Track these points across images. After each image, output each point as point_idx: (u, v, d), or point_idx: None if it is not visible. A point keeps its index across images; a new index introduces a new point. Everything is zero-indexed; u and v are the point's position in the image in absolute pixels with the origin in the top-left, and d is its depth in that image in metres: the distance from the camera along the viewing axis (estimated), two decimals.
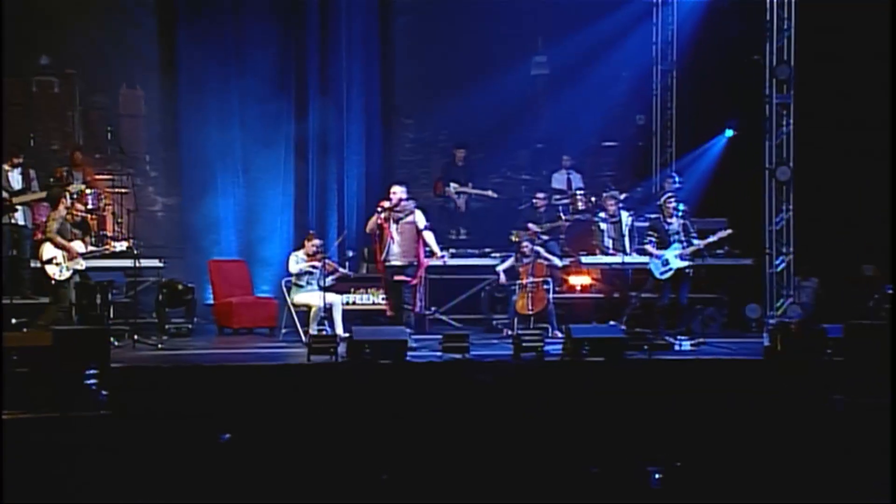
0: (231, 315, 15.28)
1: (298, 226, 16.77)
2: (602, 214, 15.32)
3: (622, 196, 15.68)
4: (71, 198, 15.24)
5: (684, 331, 14.03)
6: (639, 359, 12.39)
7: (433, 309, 13.57)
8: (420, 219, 13.34)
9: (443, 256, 13.52)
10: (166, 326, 14.75)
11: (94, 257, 13.69)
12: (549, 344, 12.91)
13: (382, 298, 13.83)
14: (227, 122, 16.90)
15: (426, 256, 13.38)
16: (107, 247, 13.81)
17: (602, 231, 15.15)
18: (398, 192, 13.27)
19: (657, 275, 14.12)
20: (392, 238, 13.18)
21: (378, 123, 17.64)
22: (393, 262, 13.20)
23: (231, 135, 16.94)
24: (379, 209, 13.35)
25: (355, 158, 17.41)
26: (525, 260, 14.97)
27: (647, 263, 14.51)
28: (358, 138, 17.39)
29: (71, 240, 13.43)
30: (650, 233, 14.23)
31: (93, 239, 15.40)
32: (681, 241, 14.06)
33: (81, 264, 13.40)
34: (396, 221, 13.21)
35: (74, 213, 13.95)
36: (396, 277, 13.22)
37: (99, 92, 17.14)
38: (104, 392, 10.20)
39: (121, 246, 13.74)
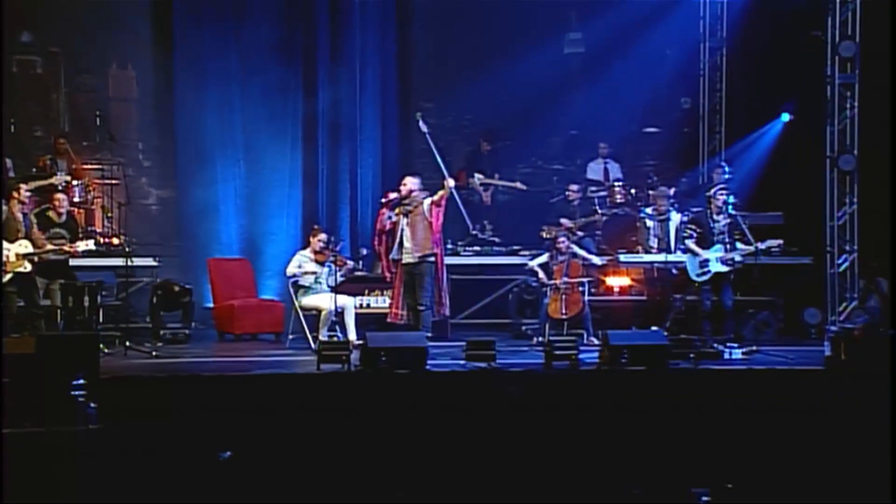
0: (233, 319, 15.32)
1: (307, 220, 16.75)
2: (649, 210, 15.27)
3: (672, 191, 15.62)
4: (58, 190, 15.34)
5: (734, 337, 13.98)
6: (684, 368, 12.35)
7: (444, 313, 13.45)
8: (427, 201, 13.42)
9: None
10: (161, 332, 14.80)
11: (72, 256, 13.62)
12: (584, 352, 12.89)
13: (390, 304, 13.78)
14: (229, 107, 16.91)
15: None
16: (64, 248, 13.49)
17: (648, 229, 15.11)
18: (410, 183, 13.34)
19: (692, 275, 14.08)
20: (404, 234, 13.21)
21: (394, 107, 17.63)
22: (407, 260, 13.23)
23: (232, 120, 16.97)
24: (384, 200, 13.39)
25: (369, 146, 17.40)
26: (560, 258, 14.94)
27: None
28: (372, 124, 17.38)
29: (15, 239, 13.25)
30: (691, 227, 14.19)
31: (81, 235, 15.50)
32: (724, 243, 14.01)
33: (27, 267, 13.24)
34: (406, 215, 13.25)
35: (57, 206, 13.98)
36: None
37: (86, 72, 17.21)
38: (92, 405, 10.23)
39: (85, 246, 13.52)
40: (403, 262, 13.31)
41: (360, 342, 12.69)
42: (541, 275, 14.94)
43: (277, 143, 17.09)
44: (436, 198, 13.60)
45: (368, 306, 15.39)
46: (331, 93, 17.16)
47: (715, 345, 13.49)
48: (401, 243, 13.32)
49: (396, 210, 13.33)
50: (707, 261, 14.00)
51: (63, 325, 13.54)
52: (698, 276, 14.05)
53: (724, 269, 13.96)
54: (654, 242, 15.04)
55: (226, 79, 16.90)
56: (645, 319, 14.85)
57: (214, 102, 16.84)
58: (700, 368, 12.36)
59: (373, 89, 17.40)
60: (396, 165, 17.12)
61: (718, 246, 14.03)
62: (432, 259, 13.29)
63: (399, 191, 13.40)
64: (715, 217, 14.13)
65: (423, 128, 13.75)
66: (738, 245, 14.02)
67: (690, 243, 14.10)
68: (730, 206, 14.14)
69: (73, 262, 14.45)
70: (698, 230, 14.11)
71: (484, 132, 17.85)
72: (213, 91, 16.81)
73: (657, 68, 18.17)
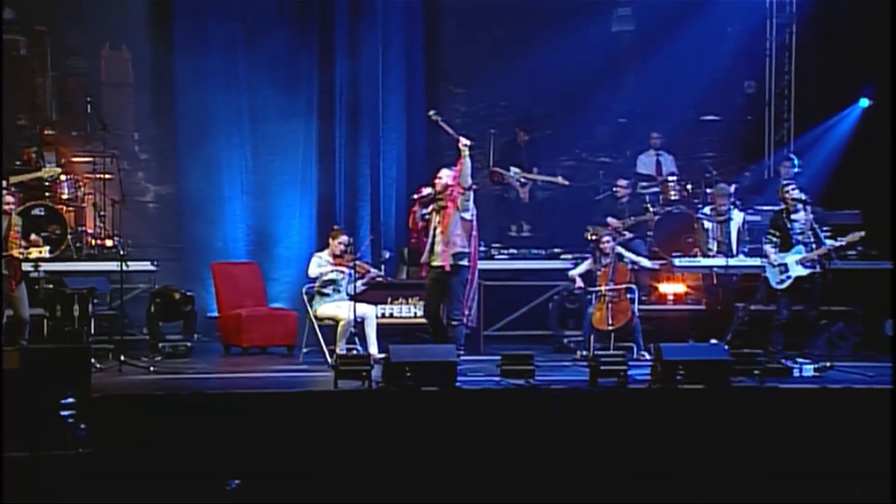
0: (240, 330, 15.35)
1: (322, 220, 16.79)
2: (707, 210, 15.21)
3: (732, 188, 15.56)
4: (45, 185, 15.42)
5: (806, 352, 13.90)
6: (748, 387, 12.29)
7: (468, 323, 13.39)
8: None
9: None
10: (160, 345, 14.83)
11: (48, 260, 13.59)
12: (633, 367, 12.84)
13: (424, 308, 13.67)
14: (235, 94, 16.96)
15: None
16: (13, 254, 12.84)
17: (706, 230, 15.06)
18: (446, 177, 13.19)
19: (773, 283, 14.01)
20: (436, 233, 13.09)
21: (421, 93, 17.61)
22: (437, 263, 13.12)
23: (239, 109, 17.02)
24: (416, 196, 13.27)
25: (393, 137, 17.40)
26: (605, 261, 14.91)
27: (757, 268, 14.38)
28: (397, 112, 17.38)
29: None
30: (772, 231, 14.12)
31: (70, 237, 15.57)
32: (806, 243, 13.94)
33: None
34: (439, 212, 13.16)
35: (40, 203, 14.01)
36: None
37: (76, 54, 17.28)
38: (83, 426, 10.26)
39: (39, 252, 12.80)
40: (432, 264, 13.16)
41: (383, 356, 12.67)
42: (578, 283, 14.93)
43: (289, 134, 17.15)
44: (454, 171, 13.18)
45: (392, 316, 15.38)
46: (350, 79, 17.18)
47: (783, 360, 13.42)
48: (431, 245, 13.18)
49: (430, 208, 13.20)
50: (786, 265, 13.93)
51: (51, 336, 13.57)
52: (779, 283, 13.98)
53: (805, 271, 13.89)
54: (713, 245, 14.98)
55: (232, 64, 16.96)
56: (703, 331, 14.79)
57: (219, 89, 16.89)
58: (766, 387, 12.30)
59: (397, 73, 17.41)
60: (424, 158, 17.13)
61: (800, 247, 13.96)
62: (466, 262, 13.12)
63: (433, 185, 13.28)
64: (791, 216, 14.06)
65: (438, 119, 13.65)
66: (826, 242, 13.94)
67: (769, 249, 14.03)
68: (806, 204, 14.04)
69: (60, 266, 14.53)
70: (778, 234, 14.04)
71: (521, 121, 17.84)
72: (218, 77, 16.85)
73: (717, 48, 18.10)
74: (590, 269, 15.02)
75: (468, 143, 13.11)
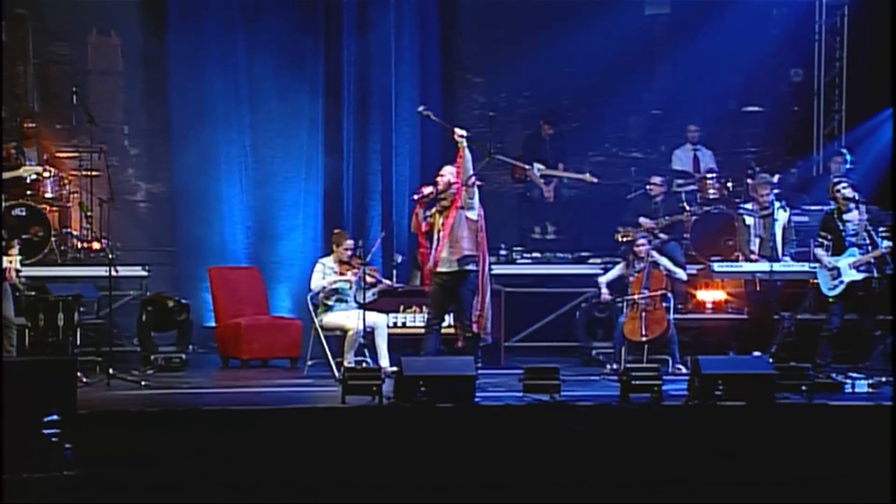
0: (239, 341, 15.38)
1: (329, 220, 16.82)
2: (749, 206, 15.19)
3: (776, 178, 15.53)
4: (25, 184, 15.45)
5: (859, 366, 13.87)
6: (794, 404, 12.27)
7: (483, 334, 13.38)
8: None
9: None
10: (152, 357, 14.86)
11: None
12: (668, 382, 12.85)
13: (427, 320, 13.61)
14: (233, 82, 17.00)
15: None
16: None
17: (747, 227, 15.05)
18: (449, 174, 13.15)
19: (825, 290, 14.00)
20: (441, 236, 13.07)
21: (436, 82, 17.64)
22: (443, 269, 13.09)
23: (238, 98, 17.05)
24: (417, 196, 13.25)
25: (406, 131, 17.40)
26: (638, 266, 14.92)
27: (805, 273, 14.36)
28: (410, 103, 17.33)
29: None
30: (823, 234, 14.10)
31: (54, 240, 15.61)
32: (859, 245, 13.91)
33: None
34: (443, 213, 13.14)
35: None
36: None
37: (60, 40, 17.31)
38: (68, 446, 10.28)
39: (9, 261, 13.00)
40: (438, 270, 13.11)
41: (394, 369, 12.69)
42: (604, 293, 14.94)
43: (293, 127, 17.16)
44: (456, 166, 13.12)
45: (404, 325, 15.39)
46: (359, 66, 17.20)
47: (833, 375, 13.39)
48: (436, 250, 13.13)
49: (433, 210, 13.18)
50: (838, 270, 13.91)
51: (32, 348, 13.60)
52: (831, 289, 13.97)
53: (859, 276, 13.87)
54: (755, 246, 14.98)
55: (230, 53, 16.98)
56: (745, 343, 14.79)
57: (217, 78, 16.91)
58: (815, 404, 12.28)
59: (409, 60, 17.41)
60: (439, 153, 17.02)
61: (853, 250, 13.95)
62: (474, 267, 13.09)
63: (435, 184, 13.26)
64: (844, 217, 14.03)
65: (429, 115, 13.65)
66: (883, 244, 13.92)
67: (821, 252, 14.02)
68: (860, 203, 14.02)
69: (43, 271, 14.58)
70: (830, 236, 14.02)
71: (545, 113, 17.86)
72: (215, 65, 16.88)
73: (761, 31, 18.06)
74: (621, 274, 15.03)
75: (464, 133, 13.05)
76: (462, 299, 13.10)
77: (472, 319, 13.10)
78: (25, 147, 16.09)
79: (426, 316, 13.58)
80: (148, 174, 17.46)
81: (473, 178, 13.02)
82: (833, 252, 13.99)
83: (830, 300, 14.02)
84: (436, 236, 13.13)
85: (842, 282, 13.93)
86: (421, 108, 13.86)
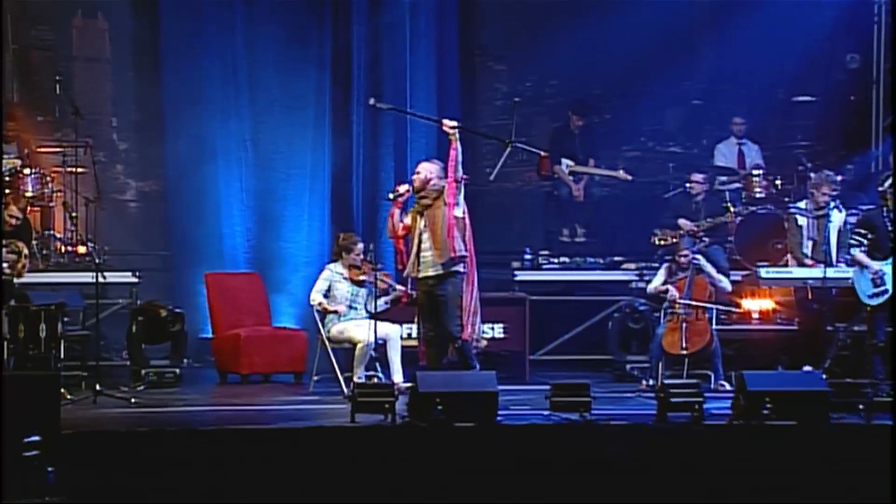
0: (238, 354, 15.40)
1: (337, 221, 16.87)
2: (802, 204, 15.15)
3: (838, 177, 15.46)
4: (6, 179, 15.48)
5: None
6: (850, 424, 12.23)
7: (473, 342, 13.34)
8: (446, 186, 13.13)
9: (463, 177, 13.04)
10: (143, 371, 14.89)
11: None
12: (711, 400, 12.82)
13: (421, 332, 13.49)
14: (232, 70, 17.03)
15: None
16: None
17: (799, 227, 15.03)
18: (426, 170, 13.12)
19: (862, 296, 13.98)
20: (422, 239, 13.04)
21: (455, 70, 17.68)
22: (427, 273, 13.08)
23: (238, 87, 17.09)
24: (392, 195, 13.22)
25: (422, 122, 17.27)
26: (681, 273, 14.89)
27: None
28: (426, 93, 17.38)
29: None
30: (860, 232, 14.06)
31: (35, 243, 15.62)
32: None
33: None
34: (422, 213, 13.12)
35: None
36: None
37: (42, 24, 17.34)
38: (51, 469, 10.29)
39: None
40: (421, 276, 13.09)
41: (409, 385, 12.70)
42: (672, 293, 14.90)
43: (298, 120, 17.20)
44: (448, 161, 13.03)
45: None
46: (370, 53, 17.21)
47: (892, 392, 13.35)
48: (418, 253, 13.10)
49: (410, 211, 13.17)
50: (881, 275, 13.87)
51: (12, 361, 13.63)
52: (871, 297, 13.93)
53: None
54: (807, 249, 14.96)
55: (229, 38, 17.00)
56: (795, 357, 14.75)
57: (215, 66, 16.94)
58: (873, 424, 12.24)
59: (426, 46, 17.41)
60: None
61: None
62: (462, 268, 13.04)
63: (412, 182, 13.28)
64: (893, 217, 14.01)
65: (382, 107, 13.71)
66: None
67: (858, 253, 13.98)
68: None
69: (24, 277, 14.60)
70: (870, 235, 13.98)
71: (575, 103, 17.86)
72: (212, 50, 16.90)
73: (813, 14, 17.97)
74: (664, 280, 14.99)
75: (454, 123, 13.09)
76: (449, 303, 13.07)
77: (460, 325, 13.07)
78: (5, 141, 16.08)
79: (421, 329, 13.44)
80: (138, 171, 17.52)
81: (465, 177, 13.03)
82: (876, 254, 13.93)
83: (870, 309, 13.98)
84: (415, 239, 13.08)
85: (885, 290, 13.86)
86: (371, 101, 13.94)
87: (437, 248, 13.02)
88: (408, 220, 13.21)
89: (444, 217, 13.01)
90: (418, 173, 13.20)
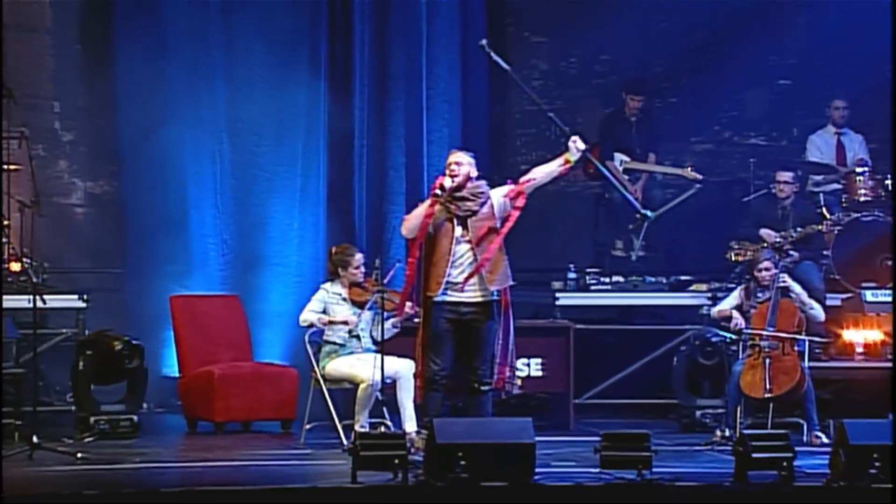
0: (212, 397, 15.42)
1: (334, 232, 16.92)
2: None
3: None
4: None
5: None
6: None
7: (509, 388, 13.33)
8: (498, 190, 13.13)
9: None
10: (92, 419, 14.89)
11: None
12: (803, 455, 12.80)
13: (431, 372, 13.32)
14: (203, 42, 17.08)
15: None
16: None
17: None
18: (468, 162, 13.07)
19: None
20: (457, 251, 12.99)
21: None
22: (470, 299, 13.05)
23: (211, 65, 17.15)
24: (438, 192, 13.09)
25: (443, 111, 17.45)
26: (761, 295, 14.86)
27: None
28: (448, 72, 17.47)
29: None
30: None
31: None
32: None
33: None
34: (464, 219, 13.06)
35: None
36: None
37: None
38: None
39: None
40: (451, 300, 13.02)
41: (424, 433, 12.70)
42: (737, 320, 14.86)
43: (286, 103, 17.24)
44: (542, 173, 13.07)
45: None
46: (376, 23, 17.27)
47: None
48: (447, 269, 13.02)
49: (444, 208, 13.08)
50: None
51: None
52: None
53: None
54: None
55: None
56: None
57: (181, 34, 16.98)
58: None
59: (447, 13, 17.48)
60: (484, 140, 17.14)
61: None
62: (498, 297, 13.08)
63: (452, 175, 13.07)
64: None
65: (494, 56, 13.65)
66: None
67: None
68: None
69: None
70: None
71: (630, 83, 17.89)
72: (179, 14, 16.93)
73: None
74: (738, 304, 14.96)
75: (582, 146, 13.04)
76: (488, 340, 13.08)
77: (492, 369, 13.11)
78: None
79: (432, 366, 13.28)
80: (87, 168, 17.56)
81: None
82: None
83: None
84: (441, 250, 12.98)
85: None
86: (483, 42, 13.80)
87: (491, 270, 12.97)
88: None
89: (490, 235, 12.97)
90: (459, 164, 13.07)
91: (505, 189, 13.09)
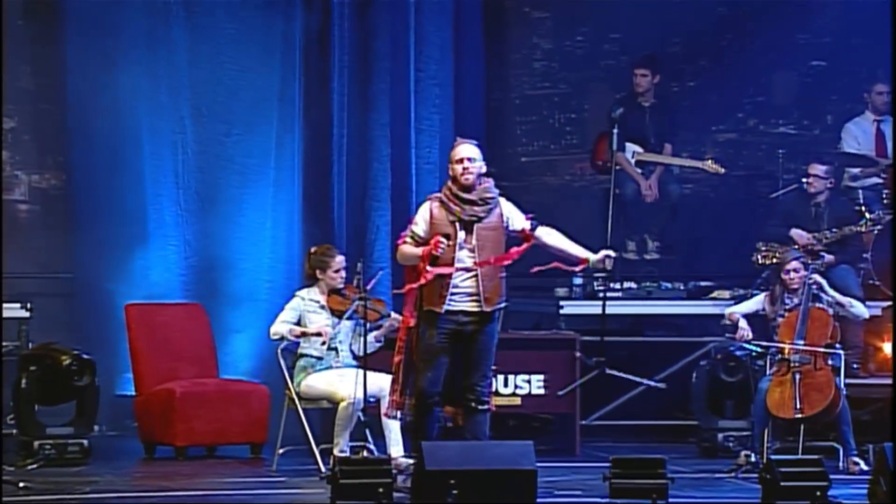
0: (173, 419, 15.41)
1: (310, 232, 16.98)
2: None
3: None
4: None
5: None
6: None
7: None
8: (514, 211, 13.14)
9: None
10: (37, 444, 14.88)
11: None
12: (839, 484, 12.82)
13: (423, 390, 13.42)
14: (163, 18, 17.09)
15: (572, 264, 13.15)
16: None
17: None
18: (478, 156, 13.01)
19: None
20: (461, 256, 12.97)
21: (477, 17, 17.81)
22: (471, 308, 13.03)
23: (171, 44, 17.16)
24: (442, 199, 13.03)
25: (433, 94, 17.49)
26: (789, 302, 14.85)
27: None
28: (439, 51, 17.48)
29: None
30: None
31: None
32: None
33: None
34: (468, 224, 13.02)
35: None
36: None
37: None
38: None
39: None
40: (454, 308, 13.00)
41: (411, 458, 12.69)
42: (743, 331, 14.86)
43: (257, 89, 17.32)
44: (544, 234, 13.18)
45: None
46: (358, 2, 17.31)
47: None
48: (449, 277, 13.01)
49: (448, 211, 13.05)
50: None
51: None
52: None
53: None
54: None
55: None
56: None
57: (138, 12, 17.00)
58: None
59: None
60: (482, 128, 17.12)
61: None
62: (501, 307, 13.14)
63: (464, 172, 13.09)
64: None
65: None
66: None
67: None
68: None
69: None
70: None
71: (644, 64, 17.86)
72: None
73: None
74: (760, 310, 14.95)
75: (609, 266, 13.32)
76: (487, 354, 13.10)
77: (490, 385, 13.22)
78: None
79: (423, 386, 13.21)
80: (32, 159, 17.58)
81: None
82: None
83: None
84: (452, 257, 12.95)
85: None
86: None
87: (488, 281, 12.96)
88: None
89: (495, 243, 12.99)
90: (472, 160, 12.98)
91: (520, 215, 13.12)
